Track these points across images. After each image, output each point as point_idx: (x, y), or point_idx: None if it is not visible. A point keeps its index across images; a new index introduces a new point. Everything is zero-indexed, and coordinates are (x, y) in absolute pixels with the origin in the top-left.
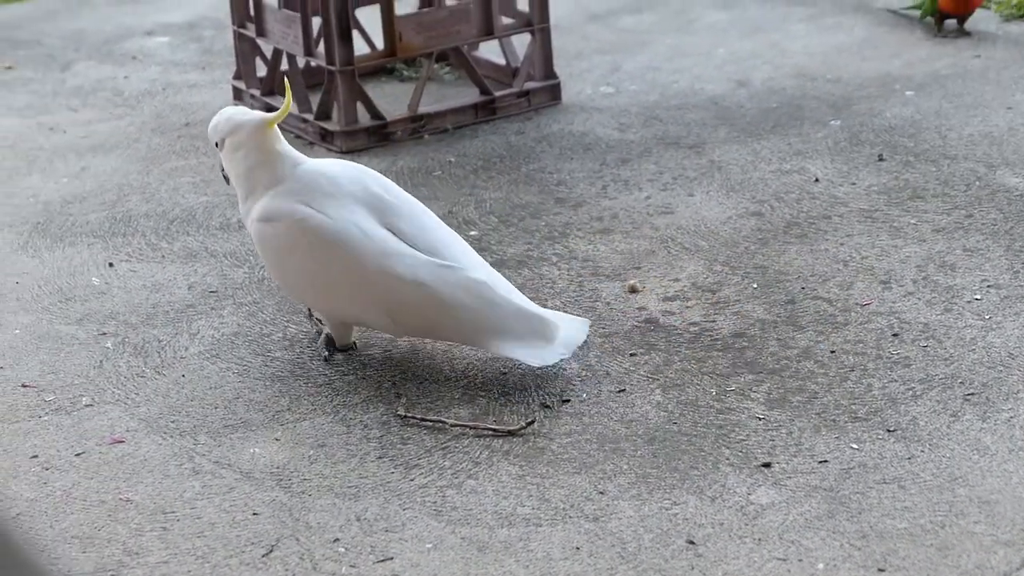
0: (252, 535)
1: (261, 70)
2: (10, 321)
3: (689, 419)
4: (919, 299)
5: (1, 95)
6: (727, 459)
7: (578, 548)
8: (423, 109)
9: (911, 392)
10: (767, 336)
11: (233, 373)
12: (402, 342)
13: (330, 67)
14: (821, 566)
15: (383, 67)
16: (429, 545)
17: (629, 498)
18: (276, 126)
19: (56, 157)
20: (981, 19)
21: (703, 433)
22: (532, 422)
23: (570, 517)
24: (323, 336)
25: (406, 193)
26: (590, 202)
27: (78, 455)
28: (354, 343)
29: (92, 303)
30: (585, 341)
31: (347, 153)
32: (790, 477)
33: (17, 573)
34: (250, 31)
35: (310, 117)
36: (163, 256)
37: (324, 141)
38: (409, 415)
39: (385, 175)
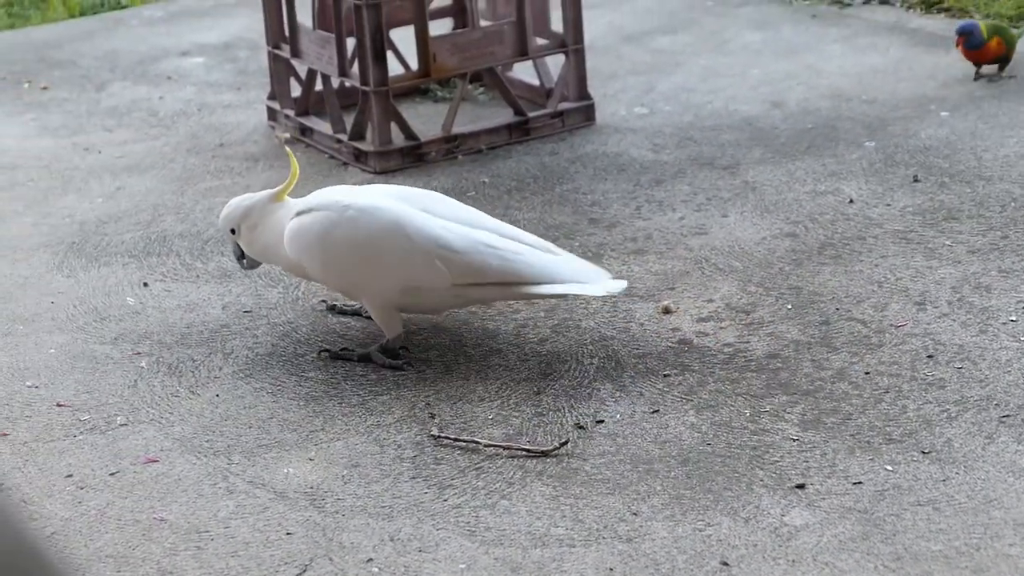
0: (285, 555)
1: (296, 90)
2: (46, 341)
3: (723, 440)
4: (954, 320)
5: (37, 115)
6: (761, 480)
7: (611, 569)
8: (457, 129)
9: (946, 414)
10: (801, 357)
11: (267, 393)
12: (435, 360)
13: (364, 87)
14: None
15: (417, 88)
16: (462, 565)
17: (663, 519)
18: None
19: (91, 177)
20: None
21: (737, 454)
22: (566, 443)
23: (603, 538)
24: (376, 348)
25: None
26: (624, 223)
27: (112, 474)
28: (405, 347)
29: (127, 323)
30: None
31: (381, 174)
32: (824, 498)
33: None
34: (285, 52)
35: (344, 137)
36: (197, 276)
37: (358, 161)
38: (443, 435)
39: None
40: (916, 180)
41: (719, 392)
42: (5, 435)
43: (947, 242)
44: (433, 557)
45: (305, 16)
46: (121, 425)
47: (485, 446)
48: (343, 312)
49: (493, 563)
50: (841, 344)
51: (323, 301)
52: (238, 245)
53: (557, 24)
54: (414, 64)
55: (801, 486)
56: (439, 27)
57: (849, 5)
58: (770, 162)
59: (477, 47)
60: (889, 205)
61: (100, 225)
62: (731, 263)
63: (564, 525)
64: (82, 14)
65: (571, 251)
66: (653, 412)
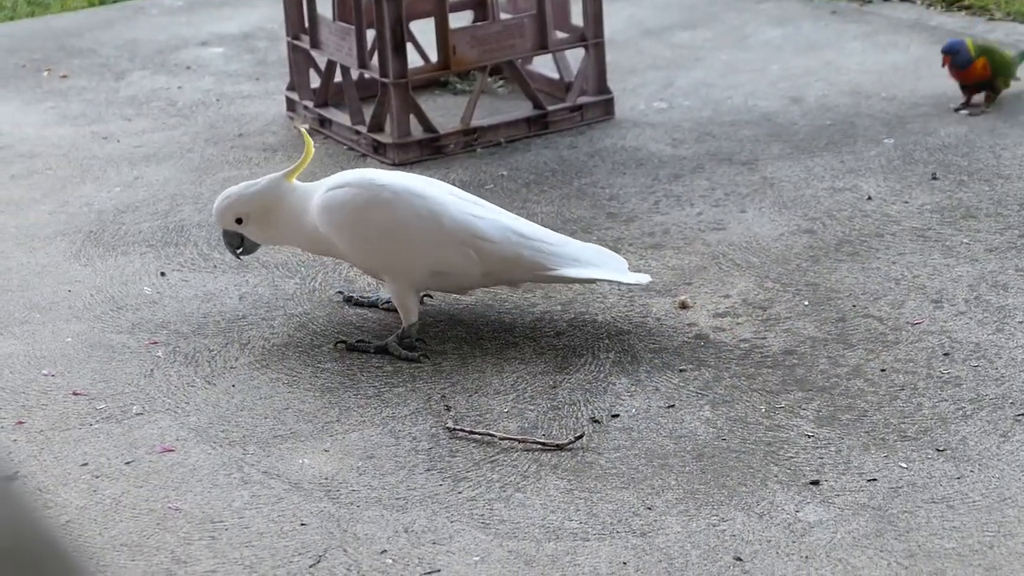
0: (300, 545)
1: (315, 81)
2: (63, 329)
3: (738, 436)
4: (971, 319)
5: (56, 103)
6: (775, 476)
7: (625, 563)
8: (476, 122)
9: (961, 412)
10: (817, 354)
11: (283, 384)
12: (451, 352)
13: (384, 79)
14: None
15: (436, 80)
16: (476, 558)
17: (677, 514)
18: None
19: (109, 166)
20: None
21: (752, 450)
22: (581, 436)
23: (618, 532)
24: (392, 339)
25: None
26: (642, 217)
27: (128, 463)
28: (421, 340)
29: (144, 312)
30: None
31: (399, 165)
32: (838, 495)
33: None
34: (304, 43)
35: (363, 129)
36: (215, 266)
37: (376, 153)
38: (458, 428)
39: None
40: (934, 178)
41: (735, 388)
42: (21, 423)
43: (964, 240)
44: (447, 549)
45: (325, 7)
46: (137, 414)
47: (500, 439)
48: (359, 304)
49: (507, 556)
50: (857, 341)
51: (339, 292)
52: (238, 235)
53: (577, 18)
54: (434, 56)
55: (815, 482)
56: (459, 19)
57: (870, 2)
58: (788, 158)
59: (497, 40)
60: (907, 202)
61: (118, 214)
62: (748, 259)
63: (578, 519)
64: (102, 3)
65: None
66: (668, 407)
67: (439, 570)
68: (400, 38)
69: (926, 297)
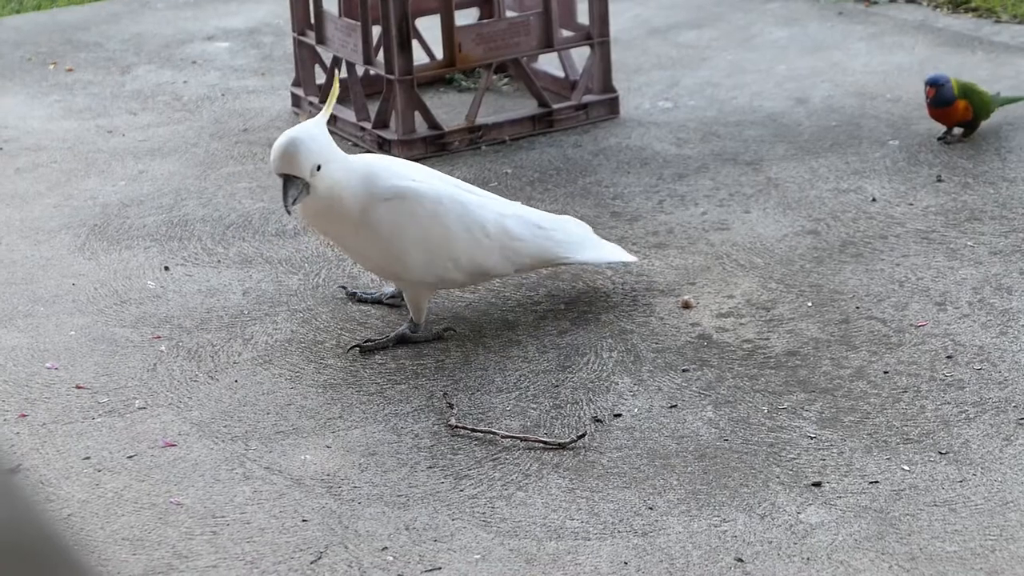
0: (301, 541)
1: (320, 77)
2: (66, 322)
3: (740, 436)
4: (974, 321)
5: (61, 97)
6: (777, 477)
7: (626, 563)
8: (481, 120)
9: (964, 415)
10: (820, 355)
11: (285, 379)
12: (454, 350)
13: (389, 76)
14: None
15: (442, 77)
16: (477, 556)
17: (678, 514)
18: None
19: (114, 160)
20: None
21: (754, 451)
22: (583, 435)
23: (619, 532)
24: (406, 327)
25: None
26: (646, 216)
27: (130, 457)
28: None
29: (147, 306)
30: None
31: None
32: (840, 497)
33: (66, 573)
34: (310, 38)
35: (368, 125)
36: (219, 261)
37: (381, 149)
38: (460, 426)
39: None
40: (939, 180)
41: (737, 388)
42: (24, 416)
43: (969, 243)
44: (448, 547)
45: (331, 3)
46: (139, 408)
47: (502, 437)
48: (363, 300)
49: (508, 554)
50: (860, 343)
51: (342, 287)
52: (307, 186)
53: (583, 16)
54: (439, 53)
55: (817, 484)
56: (465, 17)
57: (876, 3)
58: (793, 159)
59: (502, 38)
60: (912, 204)
61: (122, 208)
62: (752, 259)
63: (579, 518)
64: None
65: None
66: (671, 407)
67: (440, 568)
68: (406, 35)
69: (930, 299)
